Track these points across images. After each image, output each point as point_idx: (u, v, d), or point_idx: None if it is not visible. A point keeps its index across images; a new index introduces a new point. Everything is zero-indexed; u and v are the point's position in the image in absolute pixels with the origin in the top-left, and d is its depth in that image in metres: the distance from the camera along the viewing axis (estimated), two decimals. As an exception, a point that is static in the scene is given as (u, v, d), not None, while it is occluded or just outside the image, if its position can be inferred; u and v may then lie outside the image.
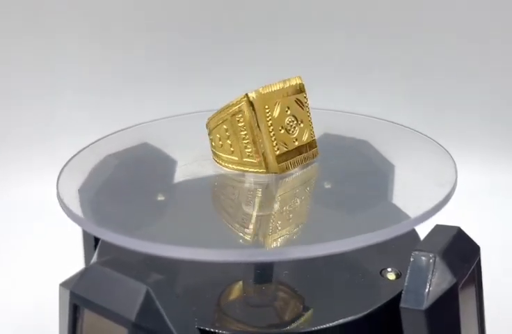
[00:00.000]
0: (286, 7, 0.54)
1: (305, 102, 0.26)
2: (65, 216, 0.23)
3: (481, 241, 0.25)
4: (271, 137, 0.25)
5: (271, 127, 0.25)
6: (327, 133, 0.30)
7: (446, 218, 0.25)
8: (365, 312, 0.24)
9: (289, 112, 0.26)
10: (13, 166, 0.55)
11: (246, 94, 0.25)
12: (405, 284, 0.22)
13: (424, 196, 0.24)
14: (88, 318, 0.22)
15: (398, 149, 0.29)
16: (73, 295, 0.22)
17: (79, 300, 0.21)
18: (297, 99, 0.26)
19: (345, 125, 0.31)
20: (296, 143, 0.26)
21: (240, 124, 0.25)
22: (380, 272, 0.26)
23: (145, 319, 0.20)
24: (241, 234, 0.24)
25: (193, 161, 0.29)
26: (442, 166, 0.25)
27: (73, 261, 0.34)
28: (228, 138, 0.26)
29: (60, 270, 0.29)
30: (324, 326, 0.23)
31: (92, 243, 0.31)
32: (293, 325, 0.23)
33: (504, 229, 0.48)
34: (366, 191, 0.26)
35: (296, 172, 0.26)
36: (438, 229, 0.24)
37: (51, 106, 0.55)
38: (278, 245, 0.22)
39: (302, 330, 0.23)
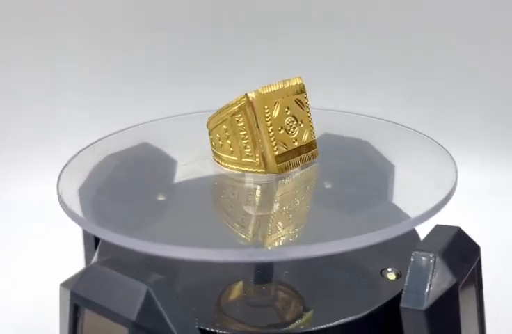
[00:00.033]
0: (286, 7, 0.54)
1: (306, 103, 0.26)
2: (65, 215, 0.23)
3: (481, 241, 0.25)
4: (270, 137, 0.25)
5: (270, 127, 0.25)
6: (327, 133, 0.30)
7: (446, 218, 0.25)
8: (365, 312, 0.24)
9: (288, 112, 0.26)
10: (13, 166, 0.55)
11: (246, 94, 0.25)
12: (406, 284, 0.22)
13: (424, 196, 0.24)
14: (89, 318, 0.22)
15: (398, 149, 0.29)
16: (73, 295, 0.22)
17: (80, 300, 0.21)
18: (297, 99, 0.26)
19: (345, 125, 0.31)
20: (296, 144, 0.26)
21: (239, 124, 0.25)
22: (381, 272, 0.26)
23: (145, 319, 0.20)
24: (241, 234, 0.24)
25: (193, 160, 0.29)
26: (442, 166, 0.25)
27: (73, 261, 0.34)
28: (228, 138, 0.26)
29: (60, 270, 0.29)
30: (324, 326, 0.23)
31: (92, 243, 0.31)
32: (294, 325, 0.23)
33: (504, 229, 0.48)
34: (367, 191, 0.26)
35: (296, 173, 0.26)
36: (438, 229, 0.24)
37: (51, 106, 0.55)
38: (278, 245, 0.22)
39: (303, 330, 0.23)
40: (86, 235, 0.32)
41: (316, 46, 0.55)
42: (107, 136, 0.30)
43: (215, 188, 0.28)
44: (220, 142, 0.26)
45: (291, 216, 0.25)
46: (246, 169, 0.26)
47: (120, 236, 0.20)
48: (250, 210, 0.25)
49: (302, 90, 0.26)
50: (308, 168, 0.27)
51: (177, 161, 0.29)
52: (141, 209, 0.25)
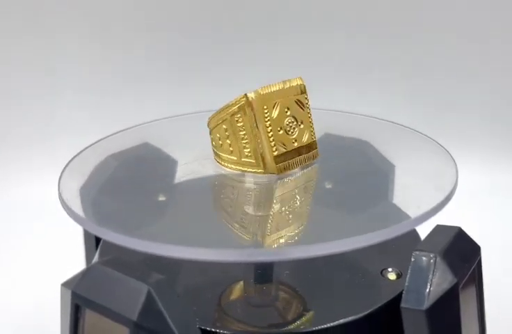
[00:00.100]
0: (286, 7, 0.54)
1: (306, 103, 0.26)
2: (66, 215, 0.23)
3: (481, 241, 0.25)
4: (269, 137, 0.25)
5: (270, 128, 0.25)
6: (327, 133, 0.30)
7: (446, 218, 0.25)
8: (366, 312, 0.24)
9: (288, 113, 0.26)
10: (13, 166, 0.55)
11: (245, 95, 0.25)
12: (406, 284, 0.22)
13: (425, 196, 0.24)
14: (90, 318, 0.22)
15: (398, 150, 0.29)
16: (75, 295, 0.22)
17: (81, 300, 0.21)
18: (297, 100, 0.26)
19: (345, 125, 0.31)
20: (296, 144, 0.26)
21: (239, 124, 0.25)
22: (381, 272, 0.26)
23: (146, 319, 0.20)
24: (241, 234, 0.24)
25: (193, 160, 0.29)
26: (443, 166, 0.26)
27: (74, 261, 0.34)
28: (227, 137, 0.26)
29: (61, 270, 0.29)
30: (325, 326, 0.23)
31: (93, 243, 0.31)
32: (294, 325, 0.23)
33: (504, 229, 0.48)
34: (367, 191, 0.26)
35: (296, 173, 0.26)
36: (439, 229, 0.24)
37: (51, 106, 0.55)
38: (278, 245, 0.22)
39: (303, 330, 0.23)
40: (87, 235, 0.32)
41: (316, 46, 0.55)
42: (108, 136, 0.30)
43: (215, 188, 0.28)
44: (220, 142, 0.26)
45: (291, 216, 0.25)
46: (246, 169, 0.26)
47: (120, 236, 0.20)
48: (250, 210, 0.25)
49: (302, 91, 0.26)
50: (308, 169, 0.27)
51: (177, 160, 0.29)
52: (142, 209, 0.25)
